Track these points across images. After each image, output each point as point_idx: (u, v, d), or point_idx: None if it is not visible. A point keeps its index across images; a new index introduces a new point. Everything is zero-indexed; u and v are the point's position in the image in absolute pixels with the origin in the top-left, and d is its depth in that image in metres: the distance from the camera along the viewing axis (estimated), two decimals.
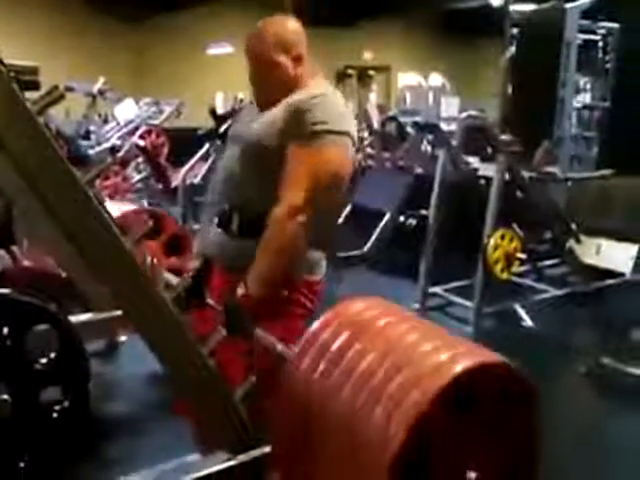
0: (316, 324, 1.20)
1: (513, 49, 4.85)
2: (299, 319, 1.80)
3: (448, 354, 1.03)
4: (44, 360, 1.31)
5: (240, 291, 1.64)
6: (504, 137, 4.54)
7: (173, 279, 1.89)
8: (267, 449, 1.31)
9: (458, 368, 0.98)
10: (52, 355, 1.32)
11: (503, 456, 1.10)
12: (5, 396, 1.26)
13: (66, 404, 1.34)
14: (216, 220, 1.88)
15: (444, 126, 5.39)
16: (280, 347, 1.36)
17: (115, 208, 2.77)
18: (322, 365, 1.13)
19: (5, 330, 1.28)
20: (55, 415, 1.34)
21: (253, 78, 1.86)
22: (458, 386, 0.97)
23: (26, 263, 2.78)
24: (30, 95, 1.15)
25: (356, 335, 1.13)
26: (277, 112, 1.76)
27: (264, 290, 1.65)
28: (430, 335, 1.14)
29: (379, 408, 0.99)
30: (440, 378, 0.97)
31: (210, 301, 1.65)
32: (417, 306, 4.88)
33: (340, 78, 12.83)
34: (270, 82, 1.82)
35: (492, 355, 1.07)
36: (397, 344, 1.09)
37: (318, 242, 1.77)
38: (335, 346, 1.13)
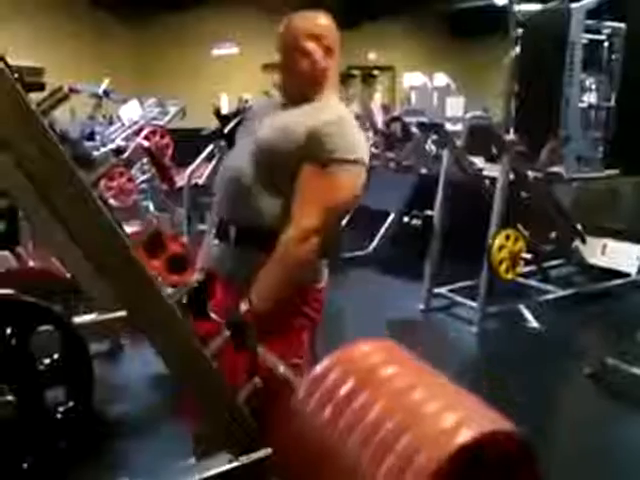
0: (323, 364, 1.20)
1: (518, 49, 4.83)
2: (303, 329, 1.80)
3: (454, 418, 1.03)
4: (48, 361, 1.31)
5: (244, 307, 1.63)
6: (509, 137, 4.53)
7: (170, 290, 1.89)
8: (269, 451, 1.31)
9: (464, 435, 0.98)
10: (56, 356, 1.32)
11: None
12: (9, 397, 1.26)
13: (70, 405, 1.34)
14: (214, 231, 1.87)
15: (449, 126, 5.38)
16: (282, 368, 1.36)
17: None
18: (328, 410, 1.13)
19: (9, 331, 1.28)
20: (59, 416, 1.34)
21: (282, 68, 1.84)
22: (463, 453, 0.97)
23: (31, 264, 2.79)
24: (35, 96, 1.15)
25: (361, 383, 1.13)
26: (293, 122, 1.74)
27: (268, 307, 1.64)
28: (436, 391, 1.14)
29: (386, 466, 0.99)
30: (446, 445, 0.97)
31: (212, 315, 1.64)
32: (422, 306, 4.88)
33: (344, 78, 12.85)
34: (298, 69, 1.80)
35: (496, 419, 1.06)
36: (403, 398, 1.09)
37: (322, 251, 1.77)
38: (340, 393, 1.13)
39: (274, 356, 1.43)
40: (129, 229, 3.38)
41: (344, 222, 2.05)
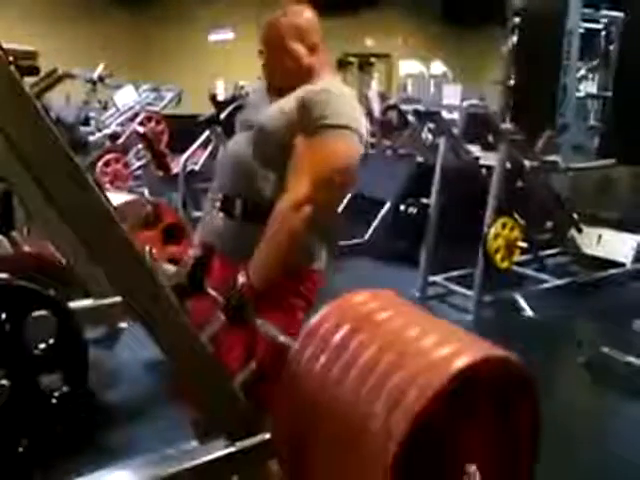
0: (318, 316, 1.20)
1: (515, 37, 4.82)
2: (299, 309, 1.80)
3: (448, 349, 1.03)
4: (43, 346, 1.30)
5: (241, 280, 1.63)
6: (506, 126, 4.52)
7: (171, 269, 1.89)
8: (267, 436, 1.31)
9: (457, 364, 0.98)
10: (51, 341, 1.31)
11: (503, 449, 1.10)
12: (4, 381, 1.26)
13: (65, 390, 1.34)
14: (219, 204, 1.87)
15: (445, 114, 5.37)
16: (282, 337, 1.36)
17: (113, 198, 2.77)
18: (323, 357, 1.13)
19: (4, 316, 1.27)
20: (54, 401, 1.33)
21: (267, 65, 1.87)
22: (457, 382, 0.97)
23: (26, 249, 2.78)
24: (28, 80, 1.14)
25: (357, 328, 1.13)
26: (287, 102, 1.76)
27: (265, 280, 1.64)
28: (430, 328, 1.14)
29: (379, 404, 0.99)
30: (439, 374, 0.97)
31: (210, 290, 1.64)
32: (417, 294, 4.89)
33: (341, 65, 12.80)
34: (283, 69, 1.83)
35: (492, 348, 1.07)
36: (398, 337, 1.09)
37: (319, 232, 1.76)
38: (336, 339, 1.13)
39: (273, 327, 1.42)
40: (126, 198, 3.39)
41: (340, 210, 2.02)
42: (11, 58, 1.04)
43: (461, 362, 0.98)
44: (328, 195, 1.71)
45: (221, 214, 1.86)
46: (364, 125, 1.79)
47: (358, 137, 1.73)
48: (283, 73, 1.84)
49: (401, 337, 1.09)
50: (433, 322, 1.19)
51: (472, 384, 1.00)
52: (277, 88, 1.87)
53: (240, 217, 1.79)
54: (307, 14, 1.85)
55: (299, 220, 1.65)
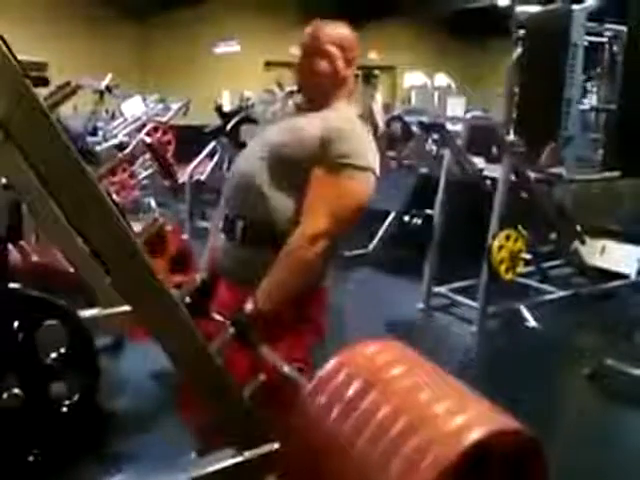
0: (329, 365, 1.20)
1: (519, 50, 4.85)
2: (306, 333, 1.81)
3: (462, 418, 1.03)
4: (54, 355, 1.32)
5: (249, 307, 1.64)
6: (510, 138, 4.54)
7: (175, 293, 1.90)
8: (275, 446, 1.32)
9: (473, 435, 0.98)
10: (62, 350, 1.33)
11: None
12: (16, 390, 1.27)
13: (75, 399, 1.35)
14: (221, 225, 1.88)
15: (449, 126, 5.39)
16: (286, 368, 1.37)
17: None
18: (337, 408, 1.13)
19: (16, 325, 1.29)
20: (64, 410, 1.35)
21: (303, 69, 1.88)
22: (470, 455, 0.97)
23: (35, 258, 2.79)
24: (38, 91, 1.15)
25: (370, 384, 1.13)
26: (307, 128, 1.77)
27: (273, 308, 1.65)
28: (444, 391, 1.14)
29: (393, 468, 0.99)
30: (452, 447, 0.97)
31: (215, 315, 1.65)
32: (421, 306, 4.89)
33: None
34: (319, 72, 1.83)
35: (503, 418, 1.07)
36: (410, 400, 1.09)
37: (327, 256, 1.78)
38: (349, 393, 1.13)
39: (278, 355, 1.43)
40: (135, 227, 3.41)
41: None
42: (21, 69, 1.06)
43: (474, 436, 0.98)
44: (342, 231, 1.75)
45: (222, 235, 1.87)
46: (377, 160, 1.81)
47: (374, 177, 1.77)
48: (317, 77, 1.84)
49: (414, 399, 1.09)
50: (444, 382, 1.18)
51: (484, 457, 1.01)
52: (307, 98, 1.90)
53: (240, 240, 1.80)
54: (349, 31, 1.89)
55: (314, 255, 1.67)
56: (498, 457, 1.04)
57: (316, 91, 1.87)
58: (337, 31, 1.87)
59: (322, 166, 1.71)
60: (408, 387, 1.12)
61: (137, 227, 3.51)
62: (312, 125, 1.77)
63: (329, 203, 1.68)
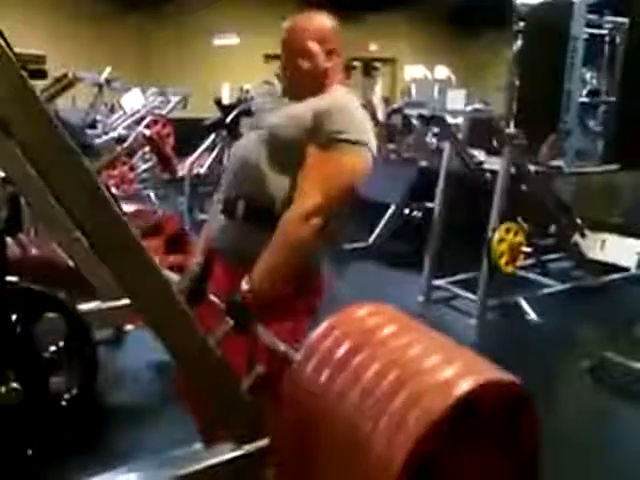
0: (320, 329, 1.20)
1: (519, 42, 4.83)
2: (303, 316, 1.80)
3: (451, 371, 1.03)
4: (53, 348, 1.32)
5: (244, 286, 1.64)
6: (510, 130, 4.53)
7: (174, 277, 1.90)
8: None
9: (459, 389, 0.98)
10: (61, 343, 1.33)
11: (506, 472, 1.10)
12: (15, 384, 1.28)
13: (74, 392, 1.36)
14: (221, 206, 1.88)
15: (450, 119, 5.38)
16: (282, 347, 1.37)
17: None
18: (326, 372, 1.13)
19: (15, 318, 1.29)
20: (63, 403, 1.35)
21: (284, 67, 1.89)
22: (459, 407, 0.97)
23: (34, 252, 2.79)
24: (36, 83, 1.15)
25: (360, 344, 1.13)
26: (301, 109, 1.78)
27: (270, 289, 1.64)
28: (433, 347, 1.14)
29: (381, 426, 0.99)
30: (441, 399, 0.97)
31: (212, 297, 1.65)
32: (421, 298, 4.89)
33: (345, 70, 12.80)
34: (300, 71, 1.84)
35: (492, 370, 1.07)
36: (400, 356, 1.09)
37: (324, 240, 1.77)
38: (339, 354, 1.13)
39: (274, 336, 1.43)
40: (130, 208, 3.41)
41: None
42: (19, 62, 1.06)
43: (462, 387, 0.98)
44: (337, 208, 1.73)
45: (222, 216, 1.86)
46: (374, 138, 1.81)
47: (370, 152, 1.76)
48: (300, 75, 1.85)
49: (403, 356, 1.09)
50: (434, 339, 1.18)
51: (473, 408, 1.00)
52: (293, 91, 1.91)
53: (241, 218, 1.79)
54: (328, 20, 1.88)
55: (308, 231, 1.66)
56: (487, 408, 1.04)
57: (301, 87, 1.87)
58: (314, 23, 1.86)
59: (315, 142, 1.71)
60: (397, 345, 1.12)
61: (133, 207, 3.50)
62: (306, 106, 1.78)
63: (322, 179, 1.68)
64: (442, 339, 1.19)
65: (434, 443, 0.96)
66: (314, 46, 1.82)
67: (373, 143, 1.79)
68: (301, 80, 1.86)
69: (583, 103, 5.13)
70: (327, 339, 1.17)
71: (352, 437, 1.04)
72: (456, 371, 1.03)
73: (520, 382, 1.06)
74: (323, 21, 1.87)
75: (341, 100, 1.80)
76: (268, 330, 1.45)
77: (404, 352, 1.10)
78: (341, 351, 1.13)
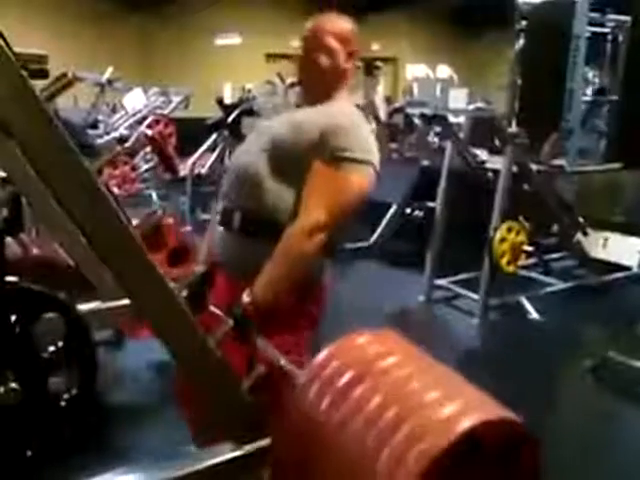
0: (323, 354, 1.20)
1: (522, 41, 4.82)
2: (304, 328, 1.80)
3: (453, 407, 1.03)
4: (52, 348, 1.31)
5: (246, 299, 1.63)
6: (512, 129, 4.52)
7: (174, 286, 1.89)
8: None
9: (463, 424, 0.97)
10: (60, 344, 1.32)
11: None
12: (14, 384, 1.27)
13: (74, 392, 1.35)
14: (219, 218, 1.87)
15: (452, 118, 5.38)
16: (283, 361, 1.36)
17: None
18: (328, 398, 1.12)
19: (14, 318, 1.28)
20: (63, 404, 1.34)
21: (304, 64, 1.88)
22: (462, 442, 0.97)
23: (35, 251, 2.79)
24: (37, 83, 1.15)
25: (362, 373, 1.12)
26: (307, 120, 1.77)
27: (271, 300, 1.64)
28: (435, 380, 1.14)
29: (384, 458, 0.99)
30: (442, 435, 0.97)
31: (212, 308, 1.64)
32: (423, 298, 4.89)
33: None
34: (321, 67, 1.83)
35: (495, 408, 1.07)
36: (402, 388, 1.08)
37: (328, 250, 1.77)
38: (341, 382, 1.12)
39: (275, 349, 1.43)
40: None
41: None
42: (21, 62, 1.06)
43: (464, 424, 0.97)
44: (341, 223, 1.73)
45: (221, 228, 1.86)
46: (378, 154, 1.80)
47: (375, 171, 1.76)
48: (319, 71, 1.84)
49: (405, 388, 1.08)
50: (437, 372, 1.18)
51: (475, 446, 1.00)
52: (309, 88, 1.91)
53: (238, 230, 1.78)
54: (349, 23, 1.89)
55: (311, 246, 1.65)
56: (489, 446, 1.04)
57: (317, 85, 1.87)
58: (338, 24, 1.87)
59: (321, 159, 1.70)
60: (399, 377, 1.11)
61: (135, 221, 3.52)
62: (313, 118, 1.77)
63: (327, 196, 1.67)
64: (444, 370, 1.19)
65: (436, 478, 0.96)
66: (336, 44, 1.83)
67: (377, 161, 1.78)
68: (319, 77, 1.85)
69: (591, 102, 5.13)
70: (330, 365, 1.16)
71: (353, 468, 1.04)
72: (458, 408, 1.03)
73: (522, 420, 1.06)
74: (345, 23, 1.89)
75: (348, 116, 1.79)
76: (269, 343, 1.45)
77: (406, 384, 1.09)
78: (343, 380, 1.13)
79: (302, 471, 1.15)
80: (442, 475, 0.96)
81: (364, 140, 1.76)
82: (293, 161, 1.73)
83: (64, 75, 1.28)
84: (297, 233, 1.66)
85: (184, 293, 1.79)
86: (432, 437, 0.97)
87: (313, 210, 1.67)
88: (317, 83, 1.87)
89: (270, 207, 1.74)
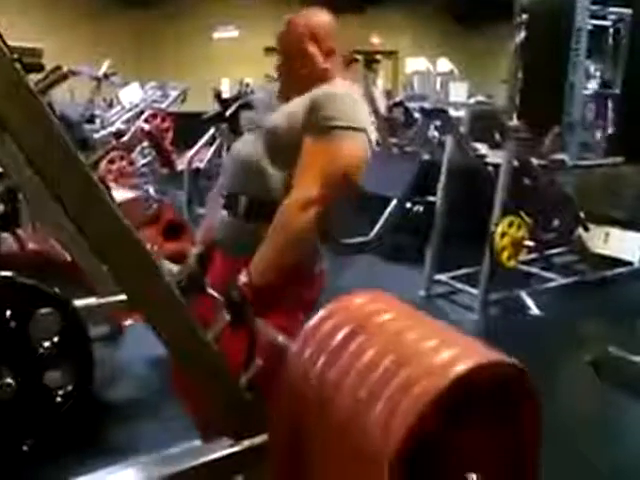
0: (317, 317, 1.18)
1: (522, 34, 4.80)
2: (300, 310, 1.78)
3: (448, 353, 1.02)
4: (48, 344, 1.30)
5: (243, 279, 1.61)
6: (513, 123, 4.50)
7: (172, 267, 1.88)
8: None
9: (456, 370, 0.96)
10: (56, 339, 1.31)
11: (506, 456, 1.09)
12: (9, 379, 1.26)
13: (70, 388, 1.33)
14: (223, 202, 1.85)
15: (452, 112, 5.35)
16: (281, 338, 1.34)
17: (116, 195, 2.78)
18: (322, 359, 1.11)
19: (9, 313, 1.27)
20: (59, 399, 1.33)
21: (281, 69, 1.87)
22: (455, 388, 0.95)
23: (32, 246, 2.78)
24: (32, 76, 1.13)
25: (357, 329, 1.12)
26: (298, 103, 1.76)
27: (266, 278, 1.62)
28: (430, 331, 1.12)
29: (377, 410, 0.98)
30: (437, 381, 0.95)
31: (210, 290, 1.62)
32: (423, 293, 4.88)
33: (348, 63, 12.76)
34: (298, 73, 1.82)
35: (492, 352, 1.05)
36: (396, 341, 1.07)
37: (322, 233, 1.75)
38: (335, 340, 1.12)
39: (273, 328, 1.41)
40: (128, 195, 3.41)
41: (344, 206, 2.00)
42: (16, 55, 1.04)
43: (459, 368, 0.96)
44: (335, 196, 1.69)
45: (225, 212, 1.84)
46: (372, 126, 1.78)
47: (367, 138, 1.73)
48: (298, 77, 1.83)
49: (400, 340, 1.07)
50: (433, 325, 1.17)
51: (471, 390, 0.99)
52: (290, 94, 1.87)
53: (244, 215, 1.77)
54: (325, 18, 1.85)
55: (305, 220, 1.63)
56: (485, 391, 1.02)
57: (299, 89, 1.83)
58: (311, 23, 1.82)
59: (311, 131, 1.68)
60: (394, 330, 1.10)
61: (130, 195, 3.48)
62: (302, 99, 1.76)
63: (319, 168, 1.64)
64: (440, 324, 1.17)
65: (431, 425, 0.94)
66: (311, 47, 1.80)
67: (370, 128, 1.76)
68: (300, 82, 1.83)
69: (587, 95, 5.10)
70: (323, 326, 1.15)
71: (348, 426, 1.02)
72: (453, 353, 1.02)
73: (521, 364, 1.04)
74: (320, 20, 1.84)
75: (337, 88, 1.77)
76: (266, 323, 1.43)
77: (400, 337, 1.08)
78: (337, 338, 1.12)
79: (299, 437, 1.13)
80: (438, 420, 0.95)
81: (350, 108, 1.72)
82: (289, 145, 1.71)
83: (58, 68, 1.26)
84: (290, 208, 1.64)
85: (183, 277, 1.78)
86: (427, 382, 0.96)
87: (305, 183, 1.65)
88: (299, 88, 1.83)
89: (272, 193, 1.72)
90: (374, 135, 1.78)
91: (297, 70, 1.82)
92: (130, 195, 3.48)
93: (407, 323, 1.14)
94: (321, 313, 1.18)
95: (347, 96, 1.75)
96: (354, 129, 1.69)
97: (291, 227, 1.64)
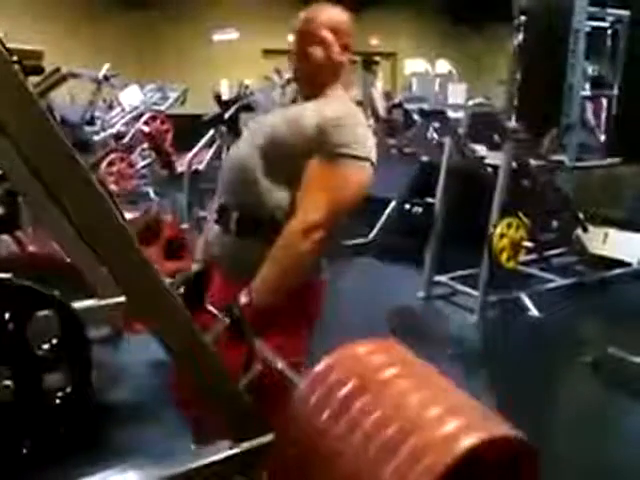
0: (324, 363, 1.18)
1: (521, 36, 4.80)
2: (303, 328, 1.78)
3: (455, 425, 1.02)
4: (46, 346, 1.30)
5: (243, 299, 1.61)
6: (511, 125, 4.51)
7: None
8: (271, 437, 1.30)
9: (462, 444, 0.96)
10: (54, 341, 1.31)
11: None
12: (7, 382, 1.25)
13: (69, 390, 1.33)
14: (215, 217, 1.85)
15: (451, 113, 5.36)
16: (281, 364, 1.35)
17: None
18: (328, 410, 1.11)
19: (7, 315, 1.27)
20: (58, 402, 1.33)
21: (298, 56, 1.84)
22: (462, 463, 0.96)
23: (31, 248, 2.78)
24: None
25: (362, 387, 1.11)
26: (303, 116, 1.74)
27: (268, 302, 1.62)
28: (436, 395, 1.13)
29: (386, 474, 0.99)
30: (443, 454, 0.96)
31: (209, 307, 1.62)
32: (422, 294, 4.88)
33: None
34: (313, 59, 1.80)
35: (498, 425, 1.06)
36: (403, 404, 1.07)
37: (326, 248, 1.74)
38: (341, 394, 1.11)
39: (272, 351, 1.41)
40: (127, 215, 3.41)
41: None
42: (15, 57, 1.04)
43: (467, 442, 0.96)
44: (338, 221, 1.71)
45: (217, 227, 1.83)
46: (375, 149, 1.78)
47: (372, 168, 1.74)
48: (312, 64, 1.81)
49: (406, 404, 1.07)
50: (438, 385, 1.17)
51: (477, 464, 0.99)
52: (303, 81, 1.87)
53: (235, 230, 1.76)
54: (345, 15, 1.86)
55: (309, 245, 1.63)
56: (491, 464, 1.03)
57: (311, 79, 1.84)
58: (332, 16, 1.83)
59: (318, 156, 1.67)
60: (400, 390, 1.10)
61: (133, 214, 3.50)
62: (308, 114, 1.74)
63: (325, 193, 1.65)
64: (445, 383, 1.17)
65: None
66: (329, 35, 1.79)
67: (374, 155, 1.76)
68: (313, 70, 1.82)
69: (585, 97, 5.10)
70: (331, 375, 1.15)
71: (355, 478, 1.03)
72: (460, 425, 1.02)
73: (524, 437, 1.05)
74: (340, 14, 1.85)
75: (345, 111, 1.76)
76: (266, 345, 1.43)
77: (407, 399, 1.08)
78: (343, 391, 1.11)
79: (301, 477, 1.13)
80: None
81: (361, 136, 1.73)
82: (288, 159, 1.71)
83: (57, 70, 1.26)
84: (295, 232, 1.63)
85: (180, 290, 1.77)
86: (434, 455, 0.96)
87: (311, 208, 1.65)
88: (311, 76, 1.84)
89: (267, 207, 1.71)
90: (375, 157, 1.78)
91: (313, 57, 1.80)
92: (129, 215, 3.46)
93: (412, 382, 1.14)
94: (327, 360, 1.18)
95: (358, 122, 1.76)
96: (363, 159, 1.70)
97: (295, 251, 1.64)
